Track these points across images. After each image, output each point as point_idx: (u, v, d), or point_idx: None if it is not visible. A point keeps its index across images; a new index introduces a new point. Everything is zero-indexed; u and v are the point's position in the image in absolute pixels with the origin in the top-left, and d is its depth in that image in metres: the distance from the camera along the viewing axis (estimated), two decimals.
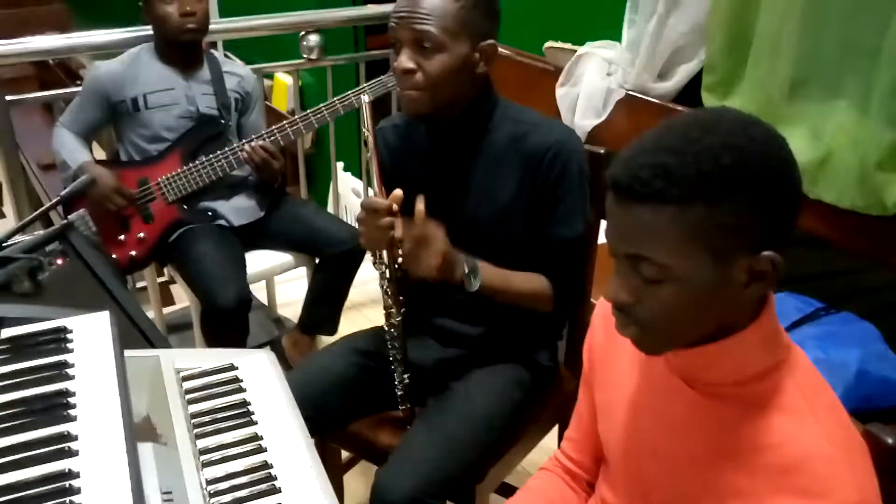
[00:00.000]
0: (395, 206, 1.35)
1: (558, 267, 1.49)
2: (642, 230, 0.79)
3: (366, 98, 1.39)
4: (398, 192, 1.36)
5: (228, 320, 2.10)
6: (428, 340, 1.59)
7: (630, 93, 2.25)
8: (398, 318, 1.49)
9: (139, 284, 3.00)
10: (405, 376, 1.53)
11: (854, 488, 0.80)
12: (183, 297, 3.07)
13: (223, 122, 2.30)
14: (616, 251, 0.84)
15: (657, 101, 2.20)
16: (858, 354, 1.60)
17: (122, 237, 2.22)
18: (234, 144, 2.21)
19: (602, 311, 1.11)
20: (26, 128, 4.53)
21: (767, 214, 0.79)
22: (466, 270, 1.38)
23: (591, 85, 2.31)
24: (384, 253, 1.43)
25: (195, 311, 2.31)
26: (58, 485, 0.89)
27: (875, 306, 1.79)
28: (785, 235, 0.81)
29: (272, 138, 2.20)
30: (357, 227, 1.42)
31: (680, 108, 2.14)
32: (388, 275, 1.46)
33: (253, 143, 2.16)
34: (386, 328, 1.51)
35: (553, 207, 1.46)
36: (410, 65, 1.37)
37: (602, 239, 1.27)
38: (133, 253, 2.23)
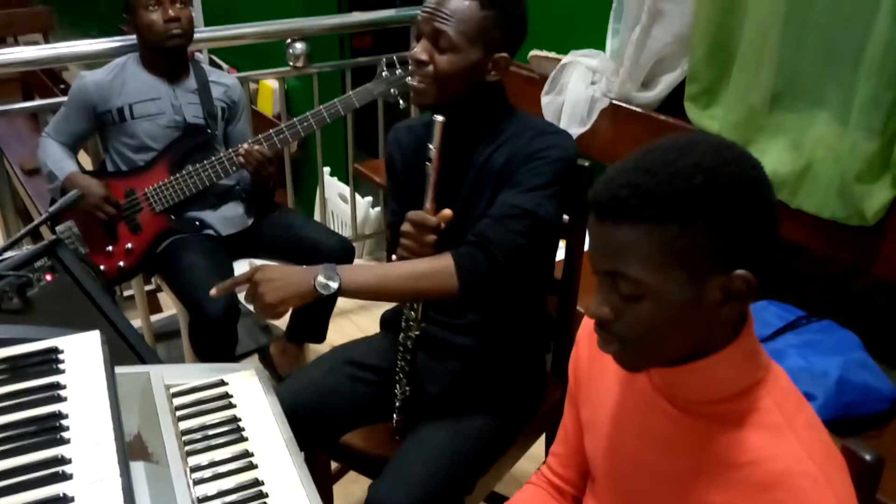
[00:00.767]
0: (442, 225, 1.39)
1: (486, 234, 1.41)
2: (620, 247, 0.82)
3: (439, 118, 1.39)
4: (447, 211, 1.41)
5: (216, 330, 2.11)
6: (420, 352, 1.61)
7: (614, 102, 2.28)
8: (416, 332, 1.51)
9: (126, 293, 3.00)
10: (407, 388, 1.55)
11: (832, 501, 0.82)
12: (170, 305, 3.08)
13: (210, 131, 2.31)
14: (596, 268, 0.86)
15: (641, 110, 2.22)
16: (839, 362, 1.63)
17: (110, 248, 2.23)
18: (221, 154, 2.21)
19: (587, 329, 1.13)
20: (9, 133, 4.52)
21: (740, 234, 0.81)
22: (322, 279, 1.36)
23: (576, 93, 2.34)
24: None
25: (183, 321, 2.32)
26: None
27: (855, 314, 1.83)
28: (759, 255, 0.83)
29: (261, 148, 2.20)
30: (345, 233, 1.44)
31: (663, 117, 2.16)
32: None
33: (247, 147, 2.16)
34: (402, 340, 1.52)
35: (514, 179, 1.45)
36: (424, 56, 1.42)
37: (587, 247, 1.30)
38: (121, 263, 2.23)
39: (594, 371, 1.09)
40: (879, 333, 1.81)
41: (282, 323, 2.75)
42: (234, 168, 2.21)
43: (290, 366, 2.50)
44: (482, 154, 1.51)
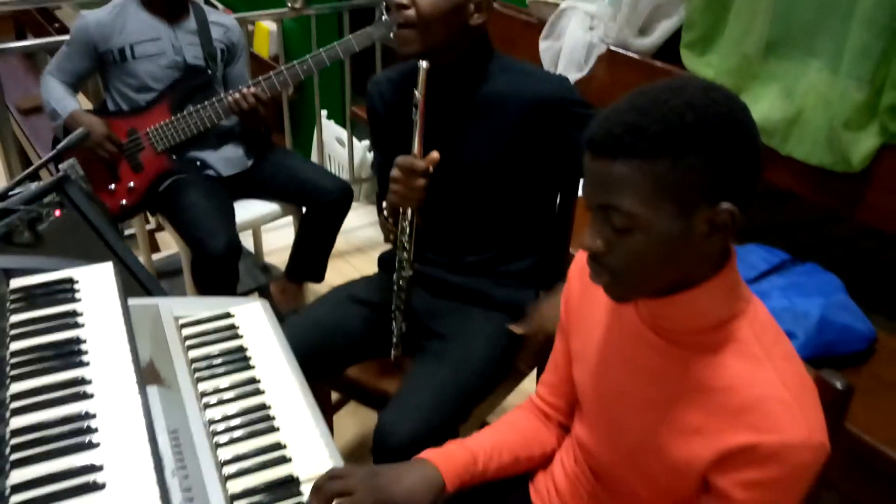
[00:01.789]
0: (431, 168, 1.43)
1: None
2: (614, 182, 0.87)
3: (424, 64, 1.41)
4: (435, 154, 1.43)
5: (218, 268, 2.16)
6: (419, 290, 1.66)
7: (611, 48, 2.29)
8: (409, 273, 1.56)
9: (127, 232, 3.04)
10: (403, 325, 1.61)
11: (803, 426, 0.89)
12: (170, 245, 3.13)
13: (210, 72, 2.32)
14: (590, 203, 0.91)
15: (637, 56, 2.24)
16: (821, 303, 1.69)
17: (112, 186, 2.26)
18: (221, 94, 2.24)
19: (578, 264, 1.18)
20: (3, 73, 4.50)
21: (727, 169, 0.86)
22: None
23: (574, 39, 2.35)
24: (409, 210, 1.49)
25: (185, 259, 2.37)
26: (76, 425, 0.97)
27: (839, 258, 1.89)
28: (745, 191, 0.88)
29: (259, 89, 2.22)
30: (342, 177, 1.48)
31: (659, 63, 2.19)
32: (408, 231, 1.52)
33: (241, 91, 2.18)
34: (395, 279, 1.57)
35: (576, 138, 1.51)
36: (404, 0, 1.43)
37: (580, 193, 1.35)
38: (124, 202, 2.27)
39: (584, 304, 1.14)
40: (861, 277, 1.87)
41: (281, 263, 2.81)
42: (225, 114, 2.24)
43: (289, 304, 2.56)
44: (471, 94, 1.54)
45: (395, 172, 1.45)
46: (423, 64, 1.42)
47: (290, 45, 3.47)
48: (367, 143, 3.55)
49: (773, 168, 1.88)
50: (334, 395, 1.96)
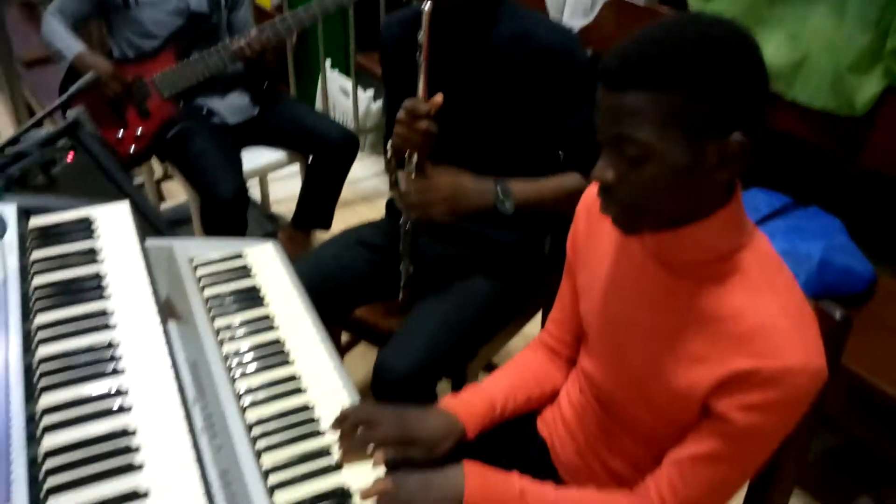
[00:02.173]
0: (432, 111, 1.44)
1: (583, 156, 1.53)
2: (627, 112, 0.88)
3: (427, 6, 1.42)
4: (438, 97, 1.44)
5: (227, 213, 2.19)
6: (426, 234, 1.69)
7: None
8: (415, 215, 1.57)
9: (134, 182, 3.06)
10: (410, 267, 1.64)
11: (802, 352, 0.92)
12: (176, 195, 3.15)
13: (214, 18, 2.32)
14: (603, 134, 0.93)
15: (643, 3, 2.24)
16: (822, 245, 1.72)
17: (120, 134, 2.28)
18: (227, 41, 2.24)
19: (585, 202, 1.21)
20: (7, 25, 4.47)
21: (737, 100, 0.88)
22: (500, 195, 1.48)
23: None
24: (414, 155, 1.50)
25: (194, 207, 2.40)
26: (101, 353, 1.00)
27: (841, 202, 1.91)
28: (754, 122, 0.90)
29: (264, 35, 2.22)
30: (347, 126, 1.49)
31: (665, 10, 2.18)
32: (413, 175, 1.53)
33: (246, 37, 2.18)
34: (402, 222, 1.60)
35: (567, 101, 1.53)
36: None
37: None
38: (132, 149, 2.29)
39: (591, 241, 1.17)
40: (863, 220, 1.90)
41: (288, 212, 2.83)
42: (230, 62, 2.25)
43: (297, 252, 2.59)
44: (479, 39, 1.54)
45: (400, 114, 1.46)
46: (426, 6, 1.43)
47: None
48: (371, 93, 3.54)
49: (777, 113, 1.89)
50: (344, 338, 2.00)
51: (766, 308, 0.94)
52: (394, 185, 1.59)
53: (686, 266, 1.00)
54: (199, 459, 0.89)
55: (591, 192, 1.20)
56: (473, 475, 1.04)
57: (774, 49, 1.86)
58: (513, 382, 1.24)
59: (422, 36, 1.44)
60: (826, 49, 1.78)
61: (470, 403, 1.18)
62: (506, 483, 1.06)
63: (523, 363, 1.30)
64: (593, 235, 1.17)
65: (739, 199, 0.98)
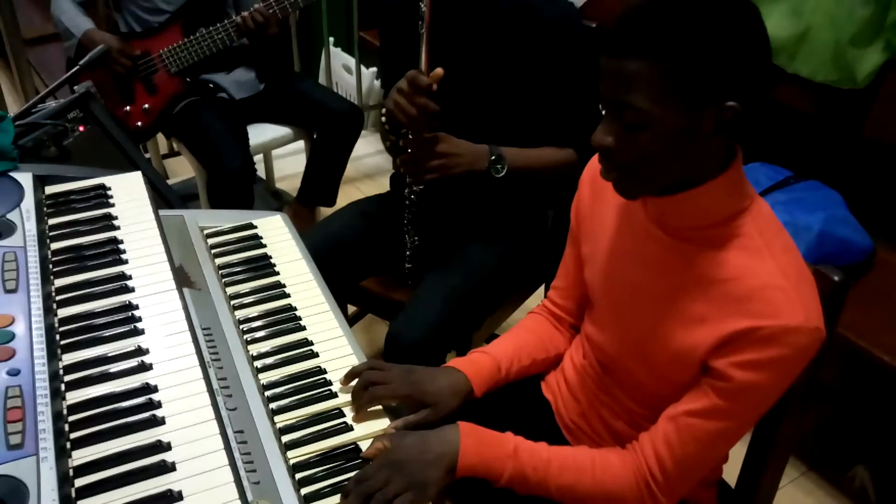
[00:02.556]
0: (434, 86, 1.45)
1: (578, 132, 1.54)
2: (626, 79, 0.91)
3: None
4: (439, 70, 1.45)
5: (234, 186, 2.21)
6: (431, 206, 1.71)
7: None
8: (419, 187, 1.60)
9: None
10: (415, 238, 1.66)
11: (800, 311, 0.94)
12: (178, 172, 3.17)
13: None
14: (604, 99, 0.96)
15: None
16: (822, 217, 1.75)
17: (127, 108, 2.30)
18: (233, 17, 2.25)
19: (588, 173, 1.23)
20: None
21: (734, 69, 0.90)
22: (492, 158, 1.51)
23: None
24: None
25: (201, 182, 2.42)
26: (122, 315, 1.04)
27: (841, 175, 1.93)
28: (752, 91, 0.92)
29: (271, 11, 2.23)
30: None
31: None
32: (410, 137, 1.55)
33: (250, 10, 2.19)
34: (406, 194, 1.62)
35: (565, 74, 1.54)
36: None
37: None
38: (139, 123, 2.31)
39: (595, 209, 1.20)
40: (862, 195, 1.92)
41: (292, 189, 2.85)
42: (232, 38, 2.26)
43: (302, 228, 2.60)
44: (486, 9, 1.55)
45: (401, 83, 1.47)
46: None
47: None
48: (374, 70, 3.56)
49: (779, 86, 1.91)
50: (350, 310, 2.03)
51: (765, 270, 0.97)
52: (390, 150, 1.61)
53: (687, 230, 1.02)
54: (218, 414, 0.92)
55: (596, 161, 1.22)
56: (468, 433, 1.07)
57: (776, 23, 1.88)
58: (518, 345, 1.28)
59: (423, 6, 1.45)
60: (827, 23, 1.79)
61: (477, 364, 1.21)
62: (500, 441, 1.09)
63: (528, 327, 1.33)
64: (597, 205, 1.19)
65: (740, 165, 1.00)
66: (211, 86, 2.36)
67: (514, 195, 1.69)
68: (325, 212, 2.77)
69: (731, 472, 1.28)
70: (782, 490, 1.95)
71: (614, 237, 1.15)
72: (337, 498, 0.96)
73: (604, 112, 0.97)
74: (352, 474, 0.98)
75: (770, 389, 1.00)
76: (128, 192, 1.29)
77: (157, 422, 0.89)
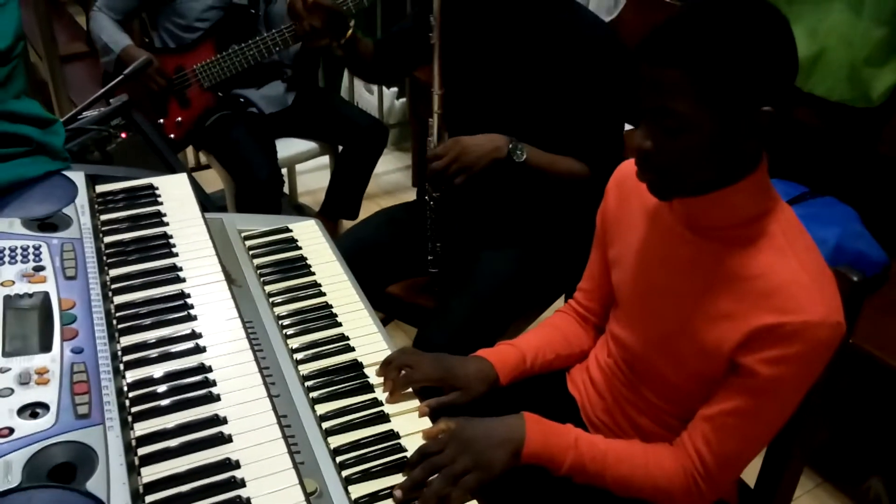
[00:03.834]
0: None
1: (596, 150, 1.62)
2: (665, 88, 0.96)
3: None
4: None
5: (263, 196, 2.28)
6: (456, 212, 1.76)
7: None
8: (437, 194, 1.66)
9: None
10: (437, 245, 1.72)
11: (822, 307, 0.99)
12: (205, 185, 3.23)
13: (253, 11, 2.42)
14: (644, 105, 1.01)
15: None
16: (837, 232, 1.79)
17: (160, 121, 2.37)
18: (265, 34, 2.33)
19: (615, 180, 1.29)
20: (29, 19, 4.56)
21: (768, 76, 0.96)
22: (511, 145, 1.56)
23: None
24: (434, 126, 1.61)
25: (229, 194, 2.49)
26: (174, 301, 1.09)
27: (856, 191, 1.98)
28: (783, 95, 0.98)
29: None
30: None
31: None
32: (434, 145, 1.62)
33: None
34: (428, 199, 1.68)
35: (595, 96, 1.59)
36: None
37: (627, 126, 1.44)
38: (171, 136, 2.38)
39: (622, 215, 1.25)
40: (877, 211, 1.97)
41: (315, 204, 2.92)
42: (276, 48, 2.33)
43: None
44: (535, 22, 1.59)
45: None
46: None
47: None
48: (395, 90, 3.64)
49: (795, 105, 1.96)
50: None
51: (788, 267, 1.02)
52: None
53: (714, 230, 1.07)
54: (269, 392, 0.97)
55: (622, 168, 1.28)
56: (533, 421, 1.12)
57: None
58: (543, 339, 1.33)
59: (433, 20, 1.51)
60: (843, 43, 1.85)
61: (503, 354, 1.27)
62: (563, 431, 1.13)
63: (554, 324, 1.39)
64: (623, 209, 1.24)
65: (765, 168, 1.06)
66: (241, 100, 2.44)
67: (533, 201, 1.74)
68: (348, 225, 2.83)
69: (749, 474, 1.32)
70: (797, 501, 1.98)
71: (642, 239, 1.20)
72: (375, 481, 1.00)
73: (643, 117, 1.02)
74: (387, 459, 1.02)
75: (796, 384, 1.04)
76: (174, 191, 1.35)
77: (213, 398, 0.94)
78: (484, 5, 1.58)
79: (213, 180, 2.81)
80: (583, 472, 1.12)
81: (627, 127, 1.26)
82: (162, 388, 0.95)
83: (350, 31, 1.74)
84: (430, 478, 0.99)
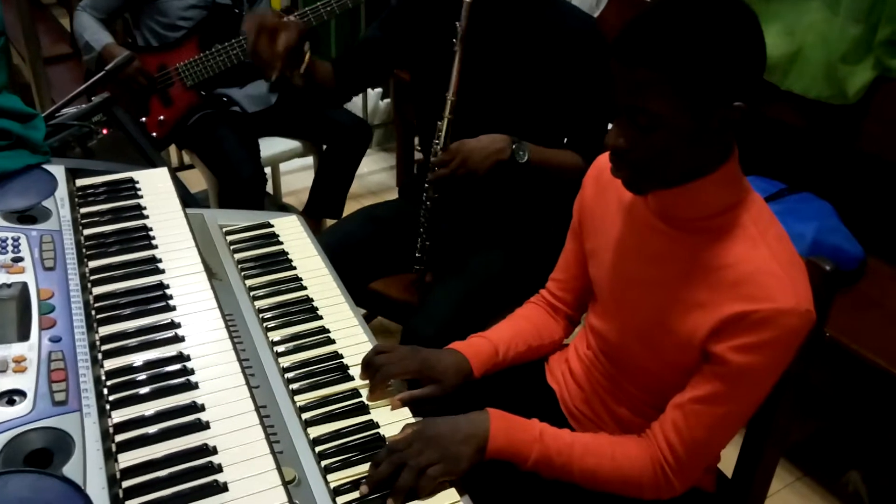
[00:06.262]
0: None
1: (589, 141, 1.65)
2: (638, 86, 0.98)
3: None
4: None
5: (246, 194, 2.28)
6: (444, 210, 1.77)
7: None
8: (435, 194, 1.67)
9: None
10: (427, 242, 1.73)
11: (792, 295, 1.01)
12: (188, 185, 3.23)
13: (237, 11, 2.42)
14: (619, 103, 1.02)
15: None
16: (814, 227, 1.82)
17: (143, 119, 2.37)
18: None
19: (593, 172, 1.30)
20: (12, 22, 4.55)
21: (739, 73, 0.97)
22: (514, 145, 1.57)
23: None
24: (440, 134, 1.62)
25: (212, 193, 2.49)
26: (153, 292, 1.10)
27: (833, 187, 2.01)
28: (753, 90, 1.00)
29: (304, 20, 2.28)
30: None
31: None
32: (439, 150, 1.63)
33: None
34: (425, 199, 1.68)
35: (583, 88, 1.61)
36: None
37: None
38: (154, 134, 2.38)
39: (598, 207, 1.26)
40: (853, 207, 1.99)
41: (299, 204, 2.92)
42: None
43: None
44: (520, 21, 1.61)
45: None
46: None
47: None
48: (379, 90, 3.65)
49: (773, 103, 1.99)
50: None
51: (759, 256, 1.03)
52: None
53: (688, 221, 1.09)
54: (247, 380, 0.98)
55: (599, 161, 1.29)
56: (497, 417, 1.12)
57: (770, 42, 1.91)
58: (515, 331, 1.35)
59: (460, 27, 1.53)
60: (819, 41, 1.88)
61: (476, 347, 1.28)
62: (527, 425, 1.14)
63: (525, 315, 1.40)
64: (600, 202, 1.26)
65: (736, 159, 1.07)
66: (224, 99, 2.44)
67: (522, 201, 1.75)
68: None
69: (727, 464, 1.34)
70: (777, 495, 2.00)
71: (617, 232, 1.21)
72: (353, 469, 1.01)
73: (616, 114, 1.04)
74: (366, 448, 1.03)
75: (766, 372, 1.05)
76: (154, 185, 1.36)
77: (192, 386, 0.95)
78: (472, 8, 1.59)
79: (197, 180, 2.82)
80: (549, 465, 1.13)
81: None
82: (140, 377, 0.95)
83: (307, 57, 1.70)
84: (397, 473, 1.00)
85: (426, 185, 1.69)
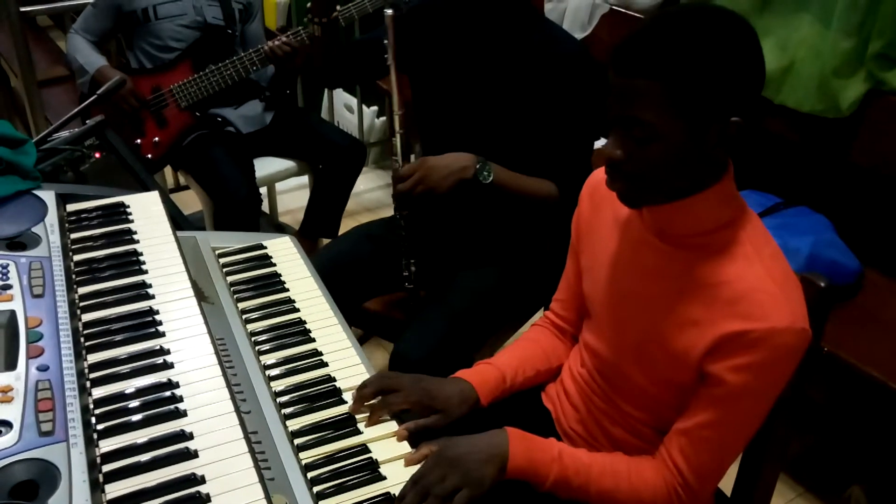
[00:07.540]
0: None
1: (565, 169, 1.62)
2: (635, 98, 0.97)
3: (389, 11, 1.50)
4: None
5: (241, 215, 2.28)
6: (432, 226, 1.77)
7: (614, 7, 2.40)
8: (405, 211, 1.66)
9: None
10: (412, 261, 1.72)
11: (787, 314, 1.00)
12: (184, 206, 3.23)
13: (230, 31, 2.43)
14: (614, 115, 1.02)
15: (640, 15, 2.35)
16: (811, 241, 1.81)
17: (137, 141, 2.37)
18: (242, 54, 2.34)
19: (588, 188, 1.29)
20: (7, 45, 4.56)
21: (736, 87, 0.97)
22: (479, 165, 1.55)
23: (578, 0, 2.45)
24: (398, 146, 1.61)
25: (207, 214, 2.48)
26: (142, 318, 1.09)
27: (829, 201, 2.00)
28: (750, 105, 0.99)
29: (298, 39, 2.29)
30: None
31: None
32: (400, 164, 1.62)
33: (280, 39, 2.27)
34: (399, 216, 1.67)
35: (567, 113, 1.59)
36: None
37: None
38: (149, 155, 2.38)
39: (594, 223, 1.26)
40: (849, 220, 1.99)
41: (294, 223, 2.91)
42: (254, 67, 2.34)
43: None
44: (511, 44, 1.60)
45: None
46: (388, 11, 1.52)
47: (298, 17, 3.56)
48: (375, 108, 3.65)
49: (767, 117, 1.99)
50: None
51: (754, 275, 1.02)
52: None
53: (683, 238, 1.08)
54: (237, 408, 0.97)
55: (595, 175, 1.29)
56: (516, 436, 1.11)
57: (764, 56, 1.96)
58: (522, 356, 1.33)
59: (386, 41, 1.52)
60: (812, 56, 1.88)
61: (483, 374, 1.26)
62: (546, 445, 1.13)
63: (532, 339, 1.38)
64: (595, 218, 1.25)
65: (731, 176, 1.07)
66: (219, 120, 2.44)
67: (508, 220, 1.74)
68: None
69: (726, 482, 1.32)
70: None
71: (612, 248, 1.20)
72: (346, 495, 0.99)
73: (612, 126, 1.03)
74: (361, 475, 1.02)
75: (765, 391, 1.05)
76: (145, 209, 1.35)
77: (180, 414, 0.94)
78: (456, 27, 1.59)
79: (193, 202, 2.81)
80: (567, 485, 1.12)
81: (602, 142, 1.26)
82: (128, 405, 0.94)
83: (335, 14, 1.69)
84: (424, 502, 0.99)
85: (395, 207, 1.68)
